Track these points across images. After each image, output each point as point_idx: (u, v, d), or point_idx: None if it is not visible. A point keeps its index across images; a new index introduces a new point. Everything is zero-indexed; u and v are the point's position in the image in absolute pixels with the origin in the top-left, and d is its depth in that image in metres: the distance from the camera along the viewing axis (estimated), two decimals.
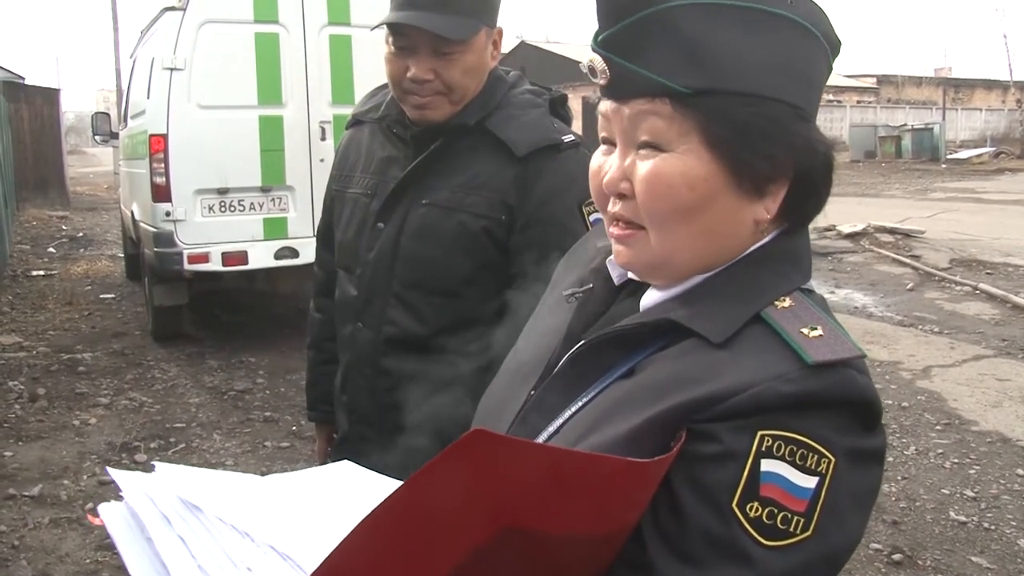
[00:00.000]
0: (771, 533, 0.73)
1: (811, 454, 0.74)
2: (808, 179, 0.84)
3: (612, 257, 0.91)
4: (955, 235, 11.90)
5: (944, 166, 28.16)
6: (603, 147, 0.89)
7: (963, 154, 31.49)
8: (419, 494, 0.65)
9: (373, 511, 0.64)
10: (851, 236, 11.61)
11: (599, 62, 0.83)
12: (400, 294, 1.67)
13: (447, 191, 1.63)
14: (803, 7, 0.83)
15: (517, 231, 1.62)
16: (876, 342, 6.80)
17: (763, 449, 0.73)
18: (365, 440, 1.74)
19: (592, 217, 1.59)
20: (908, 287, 8.91)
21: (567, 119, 1.72)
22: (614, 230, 0.88)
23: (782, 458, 0.73)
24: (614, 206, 0.86)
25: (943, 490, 4.18)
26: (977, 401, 5.44)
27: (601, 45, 0.83)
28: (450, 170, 1.64)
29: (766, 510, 0.73)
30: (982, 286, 8.63)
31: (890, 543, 3.65)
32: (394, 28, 1.58)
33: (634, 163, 0.84)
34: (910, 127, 32.74)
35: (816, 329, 0.78)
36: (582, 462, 0.71)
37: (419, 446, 1.66)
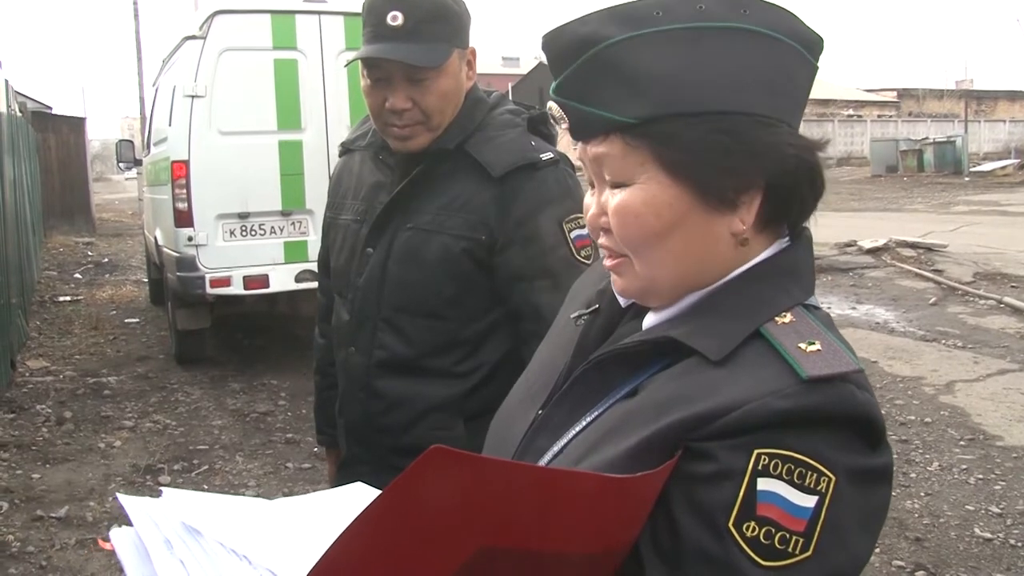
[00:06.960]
0: (769, 553, 0.72)
1: (810, 473, 0.73)
2: (782, 184, 0.84)
3: None
4: (979, 248, 11.76)
5: (967, 179, 27.86)
6: (590, 188, 0.92)
7: (986, 166, 31.13)
8: (388, 512, 0.66)
9: (347, 527, 0.66)
10: (873, 251, 11.49)
11: (557, 109, 0.88)
12: (389, 318, 1.69)
13: (429, 214, 1.65)
14: (757, 15, 0.83)
15: (498, 251, 1.63)
16: (898, 357, 6.74)
17: (760, 468, 0.73)
18: (363, 462, 1.75)
19: (573, 234, 1.61)
20: (931, 302, 8.82)
21: (549, 137, 1.73)
22: (607, 261, 0.91)
23: (779, 477, 0.73)
24: (600, 239, 0.90)
25: (967, 506, 4.13)
26: (1002, 416, 5.37)
27: (556, 92, 0.87)
28: (432, 194, 1.66)
29: (763, 529, 0.72)
30: (1007, 299, 8.53)
31: (913, 560, 3.61)
32: (367, 62, 1.61)
33: (608, 199, 0.87)
34: (932, 140, 32.41)
35: (814, 344, 0.78)
36: (558, 480, 0.71)
37: None
